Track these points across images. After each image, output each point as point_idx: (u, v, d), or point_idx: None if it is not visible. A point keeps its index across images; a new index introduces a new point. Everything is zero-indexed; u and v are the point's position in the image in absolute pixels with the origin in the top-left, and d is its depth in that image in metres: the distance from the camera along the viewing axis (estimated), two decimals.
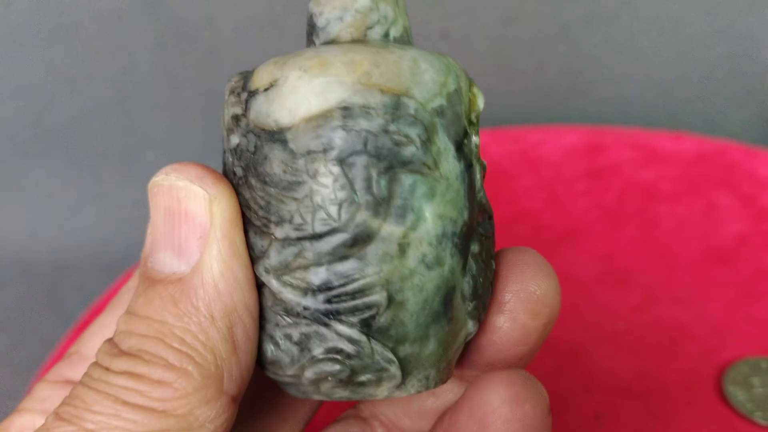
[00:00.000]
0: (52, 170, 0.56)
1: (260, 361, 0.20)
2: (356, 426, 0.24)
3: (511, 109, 0.56)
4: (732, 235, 0.45)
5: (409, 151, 0.18)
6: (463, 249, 0.19)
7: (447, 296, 0.19)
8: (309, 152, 0.18)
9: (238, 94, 0.19)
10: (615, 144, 0.52)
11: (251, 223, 0.19)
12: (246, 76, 0.20)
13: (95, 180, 0.56)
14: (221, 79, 0.55)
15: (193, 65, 0.54)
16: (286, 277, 0.19)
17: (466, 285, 0.20)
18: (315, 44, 0.20)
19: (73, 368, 0.22)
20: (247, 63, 0.54)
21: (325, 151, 0.18)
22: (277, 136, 0.18)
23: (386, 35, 0.20)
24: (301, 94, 0.18)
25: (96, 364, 0.19)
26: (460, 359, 0.22)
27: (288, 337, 0.19)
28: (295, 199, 0.18)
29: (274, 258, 0.19)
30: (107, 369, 0.18)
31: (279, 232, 0.19)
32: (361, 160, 0.18)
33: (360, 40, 0.20)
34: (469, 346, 0.21)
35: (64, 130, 0.55)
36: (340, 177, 0.18)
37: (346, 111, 0.18)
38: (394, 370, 0.19)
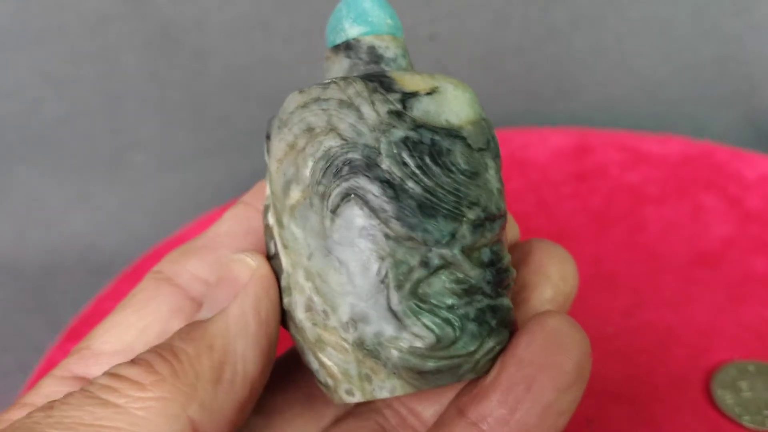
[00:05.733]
0: (39, 173, 0.56)
1: (422, 350, 0.20)
2: (369, 419, 0.24)
3: (498, 111, 0.56)
4: (719, 238, 0.45)
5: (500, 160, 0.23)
6: None
7: None
8: (480, 149, 0.22)
9: (383, 94, 0.21)
10: (602, 146, 0.52)
11: (437, 209, 0.20)
12: (377, 78, 0.21)
13: (83, 182, 0.56)
14: (209, 81, 0.55)
15: (180, 67, 0.54)
16: (473, 255, 0.21)
17: None
18: (384, 69, 0.23)
19: (82, 363, 0.22)
20: (235, 65, 0.54)
21: (487, 149, 0.22)
22: (454, 132, 0.21)
23: None
24: (461, 101, 0.22)
25: None
26: None
27: (466, 316, 0.21)
28: (479, 186, 0.21)
29: (469, 237, 0.21)
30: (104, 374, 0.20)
31: (471, 214, 0.21)
32: (499, 160, 0.22)
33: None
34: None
35: (51, 133, 0.55)
36: (498, 171, 0.22)
37: (487, 122, 0.22)
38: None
